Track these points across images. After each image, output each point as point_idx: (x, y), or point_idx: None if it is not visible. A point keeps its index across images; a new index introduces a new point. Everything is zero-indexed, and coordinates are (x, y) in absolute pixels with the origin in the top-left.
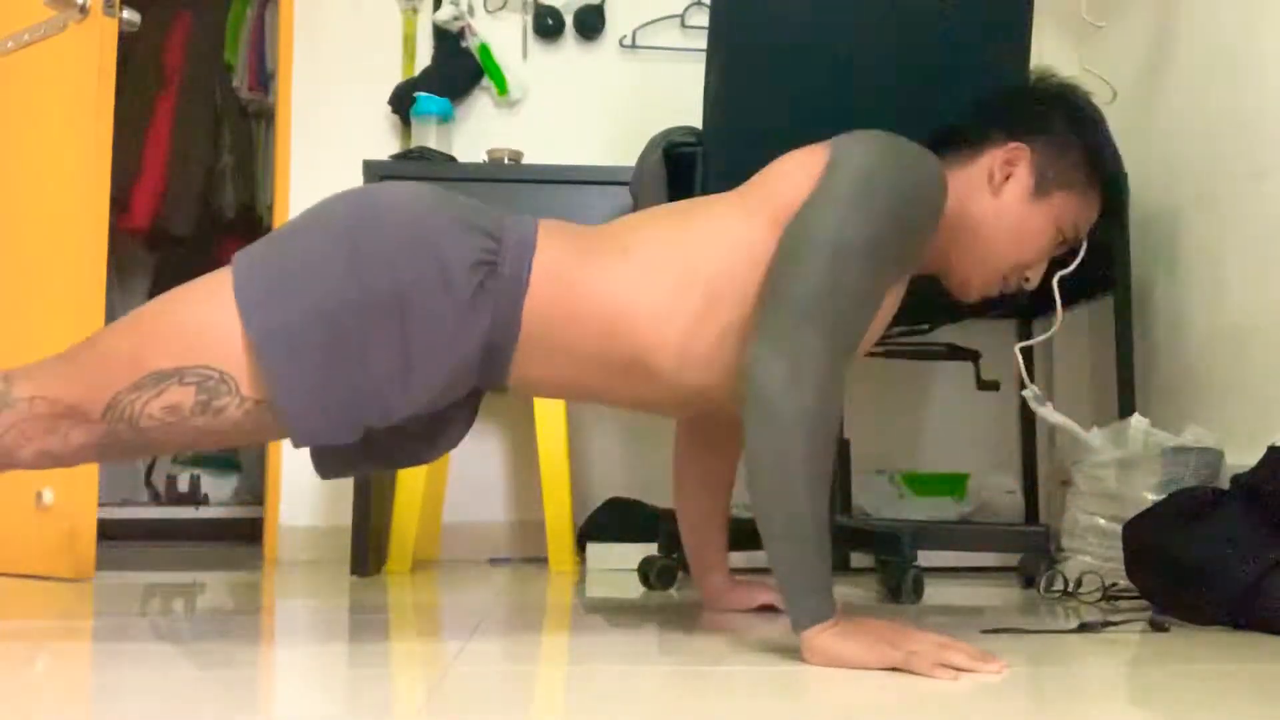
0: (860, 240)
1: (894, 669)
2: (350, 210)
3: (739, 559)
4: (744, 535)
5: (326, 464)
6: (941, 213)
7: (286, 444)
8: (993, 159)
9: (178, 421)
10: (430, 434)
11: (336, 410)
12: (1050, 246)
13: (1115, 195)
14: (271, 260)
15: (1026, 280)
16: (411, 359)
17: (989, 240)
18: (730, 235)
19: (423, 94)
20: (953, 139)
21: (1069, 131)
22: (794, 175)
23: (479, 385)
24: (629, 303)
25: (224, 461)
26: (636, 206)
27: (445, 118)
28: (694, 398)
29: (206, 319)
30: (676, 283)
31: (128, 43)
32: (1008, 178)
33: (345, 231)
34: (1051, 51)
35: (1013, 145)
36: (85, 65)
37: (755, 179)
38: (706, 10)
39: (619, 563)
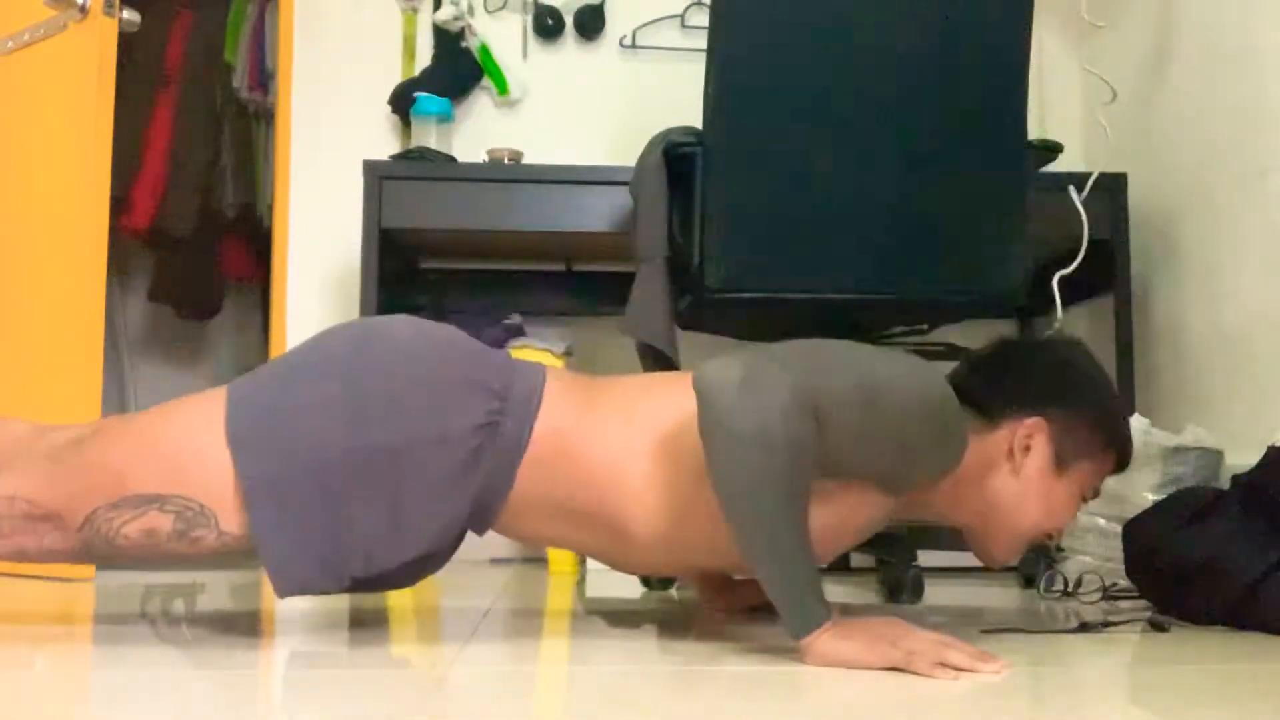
0: (871, 376)
1: (894, 668)
2: (353, 357)
3: None
4: None
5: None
6: (956, 462)
7: None
8: (1011, 434)
9: (152, 544)
10: (413, 568)
11: (318, 563)
12: (1075, 513)
13: (1127, 457)
14: (266, 399)
15: (1050, 538)
16: (401, 515)
17: (1017, 516)
18: None
19: (423, 94)
20: (962, 399)
21: (1082, 402)
22: None
23: (463, 528)
24: (620, 471)
25: None
26: (636, 206)
27: (445, 118)
28: (665, 570)
29: (194, 448)
30: (667, 464)
31: (128, 43)
32: (1027, 450)
33: (345, 378)
34: (1051, 51)
35: (1031, 421)
36: (85, 65)
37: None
38: (706, 10)
39: None
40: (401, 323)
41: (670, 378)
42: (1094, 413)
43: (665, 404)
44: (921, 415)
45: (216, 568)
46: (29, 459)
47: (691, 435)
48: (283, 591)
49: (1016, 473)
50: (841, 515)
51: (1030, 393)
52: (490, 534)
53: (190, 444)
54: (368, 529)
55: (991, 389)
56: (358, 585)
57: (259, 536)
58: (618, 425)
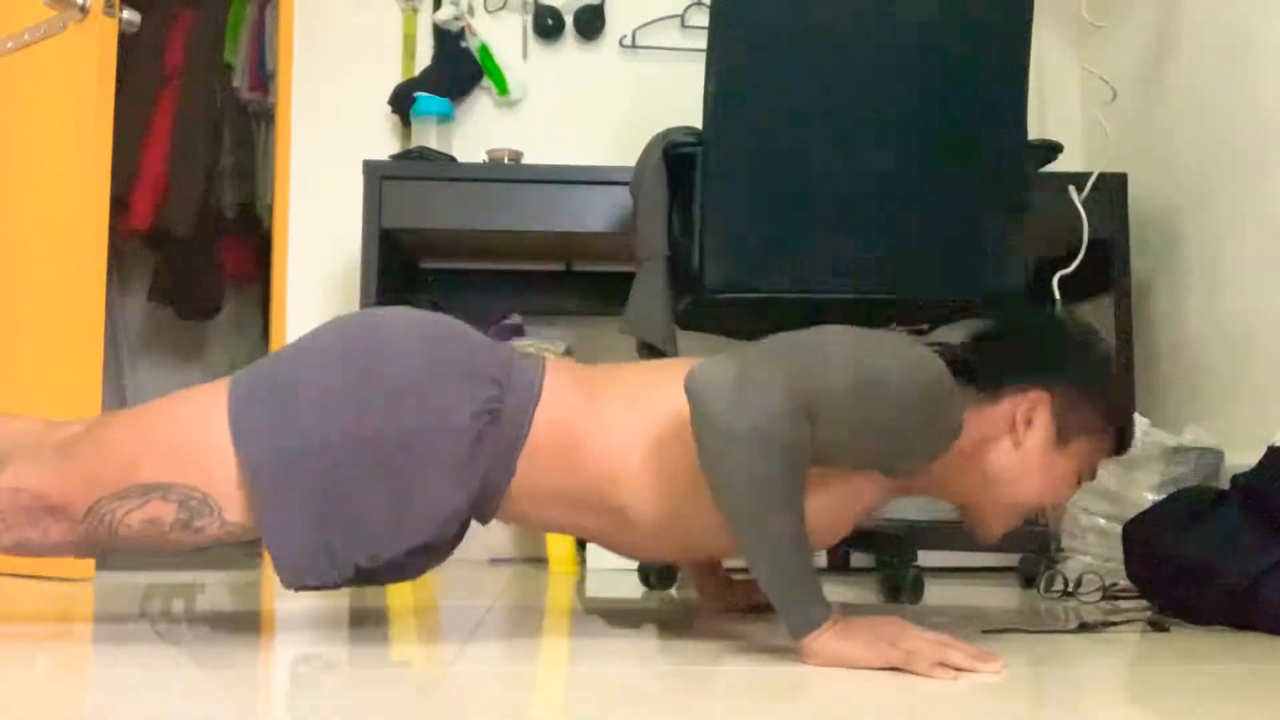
0: (864, 364)
1: (894, 668)
2: (355, 345)
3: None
4: None
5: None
6: (952, 441)
7: None
8: (1013, 406)
9: (155, 534)
10: (417, 559)
11: (323, 553)
12: (1073, 489)
13: (1129, 436)
14: (268, 389)
15: (1044, 514)
16: (404, 504)
17: (1015, 488)
18: None
19: (423, 94)
20: (964, 373)
21: (1084, 377)
22: None
23: (467, 518)
24: (624, 460)
25: None
26: (636, 206)
27: (445, 118)
28: (670, 554)
29: (198, 436)
30: (671, 449)
31: (128, 43)
32: (1029, 424)
33: (346, 368)
34: (1051, 51)
35: (1034, 394)
36: (85, 65)
37: (776, 336)
38: (706, 10)
39: (619, 563)
40: (402, 313)
41: (671, 364)
42: (1097, 390)
43: (666, 392)
44: (916, 401)
45: (217, 568)
46: (33, 452)
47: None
48: (288, 582)
49: (1017, 446)
50: (842, 501)
51: (1035, 365)
52: (490, 534)
53: (193, 434)
54: (371, 517)
55: (995, 362)
56: (361, 576)
57: (263, 526)
58: (619, 412)
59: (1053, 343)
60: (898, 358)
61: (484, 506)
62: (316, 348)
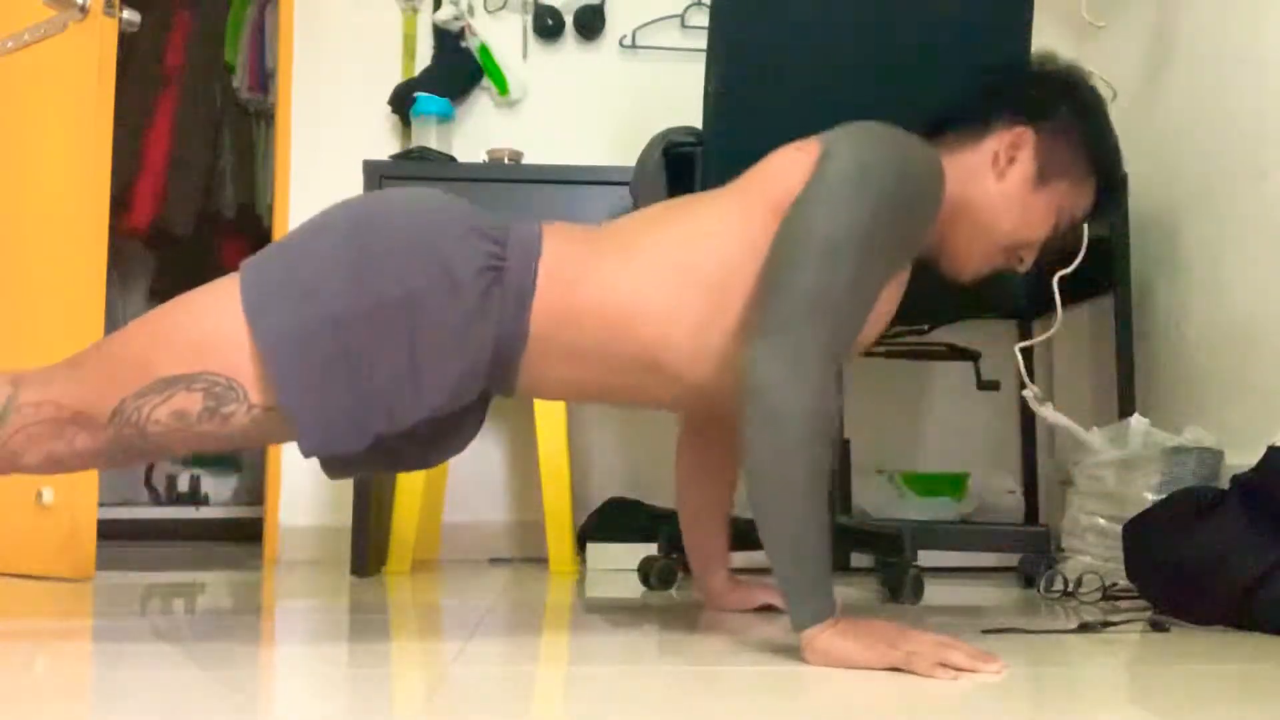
0: (854, 234)
1: (894, 669)
2: (354, 217)
3: (739, 559)
4: (744, 535)
5: (334, 465)
6: (940, 203)
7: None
8: (998, 142)
9: (184, 427)
10: (437, 438)
11: (344, 418)
12: (1048, 232)
13: (1112, 188)
14: (277, 268)
15: (1020, 260)
16: (419, 365)
17: (990, 223)
18: (731, 231)
19: (423, 94)
20: (954, 119)
21: (1073, 119)
22: (788, 170)
23: (487, 389)
24: (634, 302)
25: (224, 461)
26: (636, 206)
27: (445, 118)
28: (702, 394)
29: (214, 326)
30: (680, 280)
31: (128, 43)
32: (1011, 161)
33: (350, 238)
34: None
35: (1018, 129)
36: (85, 65)
37: (750, 174)
38: (706, 10)
39: (619, 563)
40: (396, 189)
41: (657, 210)
42: (1084, 133)
43: (658, 233)
44: (908, 212)
45: (217, 568)
46: (49, 369)
47: (703, 252)
48: (310, 448)
49: (999, 179)
50: (883, 311)
51: (1023, 102)
52: (490, 534)
53: (209, 323)
54: (388, 380)
55: (986, 96)
56: (383, 449)
57: (282, 395)
58: (619, 259)
59: (1044, 83)
60: (877, 186)
61: (503, 373)
62: (319, 228)
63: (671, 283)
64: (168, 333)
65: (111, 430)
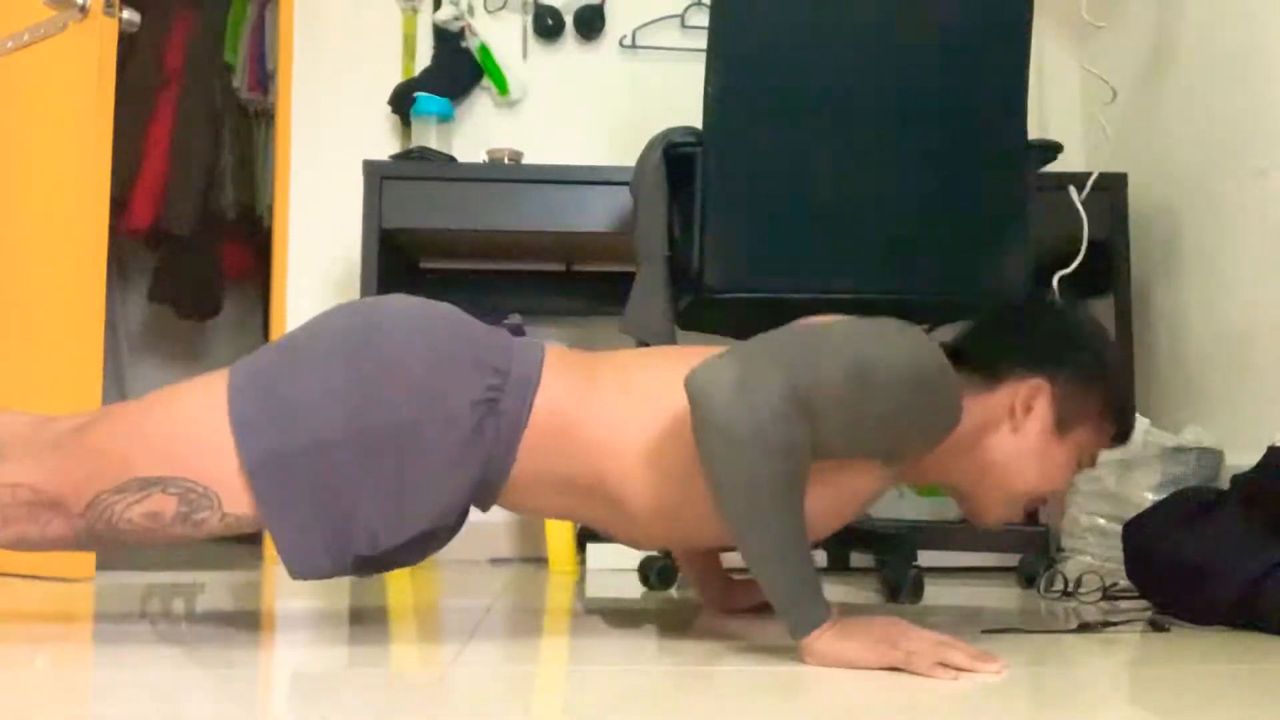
0: (855, 362)
1: (894, 668)
2: (355, 335)
3: (735, 558)
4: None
5: (309, 576)
6: (951, 429)
7: None
8: (1013, 393)
9: (157, 528)
10: (416, 546)
11: (326, 546)
12: (1071, 478)
13: (1129, 427)
14: (270, 381)
15: (1044, 502)
16: (405, 495)
17: (1012, 476)
18: None
19: (423, 94)
20: (965, 359)
21: (1087, 367)
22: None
23: (467, 505)
24: (615, 443)
25: None
26: (636, 206)
27: (445, 118)
28: (668, 543)
29: (197, 430)
30: (664, 433)
31: (128, 43)
32: (1028, 412)
33: (348, 358)
34: (1051, 51)
35: (1033, 382)
36: (85, 65)
37: (774, 332)
38: (706, 10)
39: (619, 563)
40: (400, 301)
41: (669, 351)
42: (1099, 379)
43: (662, 377)
44: (914, 389)
45: (217, 568)
46: (31, 447)
47: (687, 410)
48: (293, 574)
49: (1015, 432)
50: (843, 491)
51: (1036, 353)
52: (490, 534)
53: (192, 426)
54: (372, 507)
55: (996, 348)
56: (362, 564)
57: (267, 521)
58: (615, 399)
59: (1054, 331)
60: (894, 346)
61: (484, 494)
62: (316, 338)
63: (651, 434)
64: (152, 428)
65: (84, 522)
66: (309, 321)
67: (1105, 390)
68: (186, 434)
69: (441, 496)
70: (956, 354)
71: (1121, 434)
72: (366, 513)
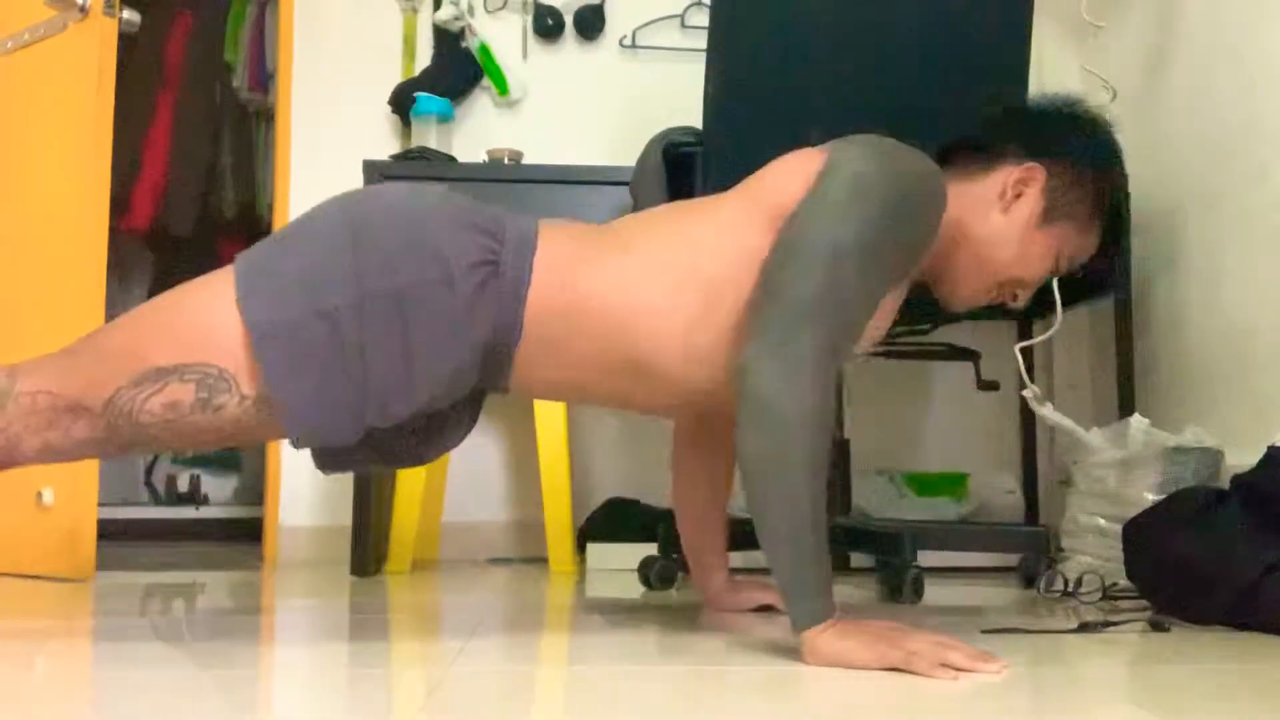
0: (855, 244)
1: (894, 669)
2: (350, 210)
3: (739, 559)
4: (744, 535)
5: (326, 459)
6: (939, 221)
7: (286, 443)
8: (1007, 175)
9: (177, 418)
10: (431, 433)
11: (336, 410)
12: (1045, 272)
13: (1116, 237)
14: (272, 260)
15: (1015, 298)
16: (413, 359)
17: (989, 255)
18: (730, 236)
19: (423, 94)
20: (966, 147)
21: (1087, 162)
22: (790, 178)
23: (481, 385)
24: (629, 301)
25: (224, 461)
26: (637, 206)
27: (445, 118)
28: (694, 396)
29: (208, 317)
30: (676, 282)
31: (128, 43)
32: (1018, 196)
33: (345, 231)
34: (1051, 51)
35: (1029, 165)
36: (85, 65)
37: (752, 180)
38: (706, 10)
39: (619, 563)
40: (392, 184)
41: (656, 212)
42: (1095, 176)
43: (656, 234)
44: (911, 225)
45: (217, 568)
46: (46, 358)
47: (701, 255)
48: (302, 440)
49: (1003, 213)
50: (880, 322)
51: (1037, 139)
52: (490, 534)
53: (203, 313)
54: (381, 372)
55: (999, 130)
56: (375, 441)
57: (274, 386)
58: (616, 257)
59: (1060, 121)
60: (880, 196)
61: (496, 368)
62: (314, 219)
63: (666, 283)
64: (162, 323)
65: (105, 420)
66: (307, 210)
67: (1099, 188)
68: (197, 320)
69: (449, 359)
70: (959, 143)
71: (1106, 241)
72: (376, 377)
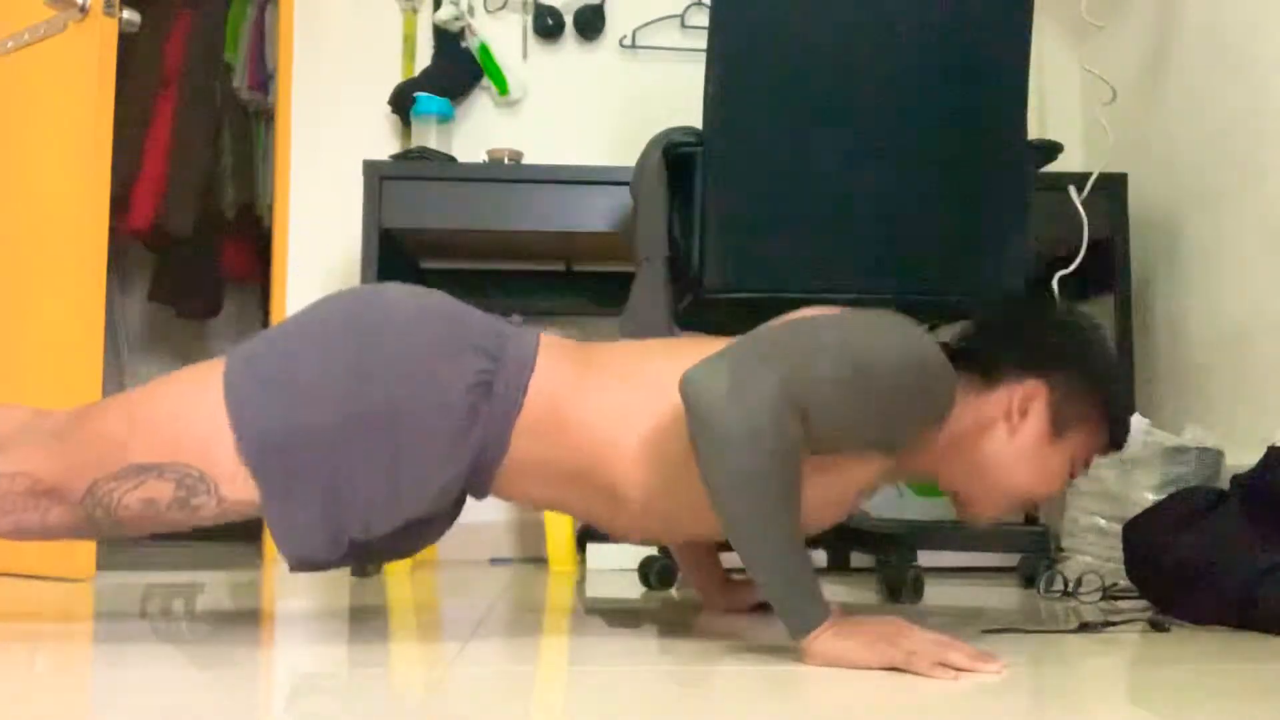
0: (855, 358)
1: (893, 668)
2: (350, 319)
3: (735, 558)
4: None
5: (303, 565)
6: (947, 406)
7: None
8: (1010, 394)
9: (154, 514)
10: (410, 535)
11: (320, 529)
12: (1065, 482)
13: (1124, 429)
14: (266, 366)
15: (1036, 506)
16: (400, 478)
17: (1006, 478)
18: None
19: (423, 94)
20: (964, 360)
21: (1084, 371)
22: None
23: (462, 492)
24: (613, 437)
25: None
26: (636, 206)
27: (445, 118)
28: (678, 526)
29: (193, 416)
30: (665, 421)
31: (128, 43)
32: (1024, 415)
33: (344, 343)
34: (1051, 51)
35: (1030, 383)
36: (85, 65)
37: (761, 327)
38: (706, 10)
39: (619, 563)
40: (395, 288)
41: (666, 344)
42: (1096, 385)
43: (661, 367)
44: (906, 377)
45: (217, 568)
46: (30, 436)
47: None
48: (289, 560)
49: (1011, 434)
50: (841, 482)
51: (1034, 356)
52: (490, 534)
53: (188, 412)
54: (367, 492)
55: (995, 348)
56: (356, 551)
57: (264, 507)
58: (612, 389)
59: (1053, 334)
60: (884, 337)
61: (479, 481)
62: (311, 324)
63: (654, 421)
64: (148, 416)
65: (83, 509)
66: (305, 308)
67: (1102, 396)
68: (182, 420)
69: (435, 480)
70: (955, 355)
71: (1116, 441)
72: (361, 496)
